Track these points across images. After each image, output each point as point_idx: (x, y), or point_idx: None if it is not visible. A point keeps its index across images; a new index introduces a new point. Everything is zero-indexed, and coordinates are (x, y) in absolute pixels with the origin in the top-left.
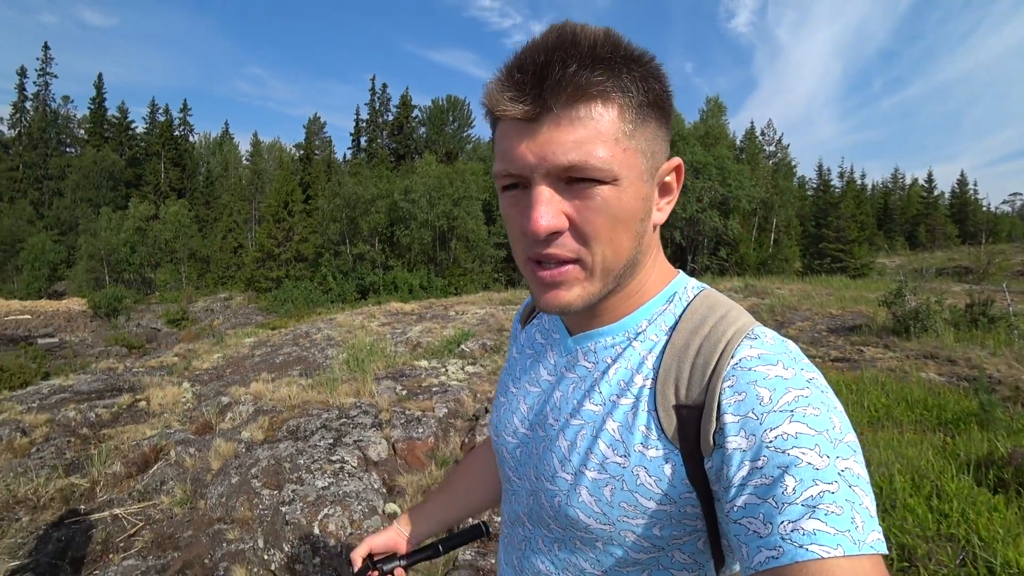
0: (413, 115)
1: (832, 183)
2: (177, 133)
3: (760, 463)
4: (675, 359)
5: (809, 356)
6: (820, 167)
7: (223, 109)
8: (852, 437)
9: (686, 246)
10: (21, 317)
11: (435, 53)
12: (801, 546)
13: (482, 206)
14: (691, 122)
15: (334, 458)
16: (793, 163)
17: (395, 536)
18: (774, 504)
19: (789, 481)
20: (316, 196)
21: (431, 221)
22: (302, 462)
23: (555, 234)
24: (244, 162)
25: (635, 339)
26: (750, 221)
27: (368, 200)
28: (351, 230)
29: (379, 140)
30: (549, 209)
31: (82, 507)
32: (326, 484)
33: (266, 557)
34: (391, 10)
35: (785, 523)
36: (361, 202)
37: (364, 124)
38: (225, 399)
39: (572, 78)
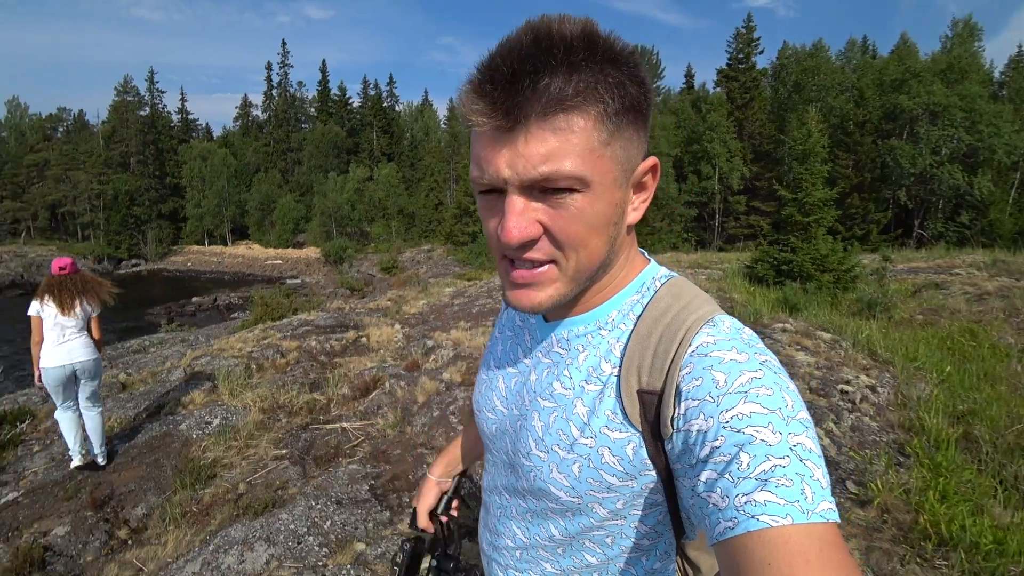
0: None
1: None
2: (385, 104)
3: (718, 442)
4: (639, 346)
5: None
6: None
7: (423, 78)
8: (804, 414)
9: (913, 208)
10: (275, 262)
11: (619, 1)
12: (752, 516)
13: (672, 162)
14: (928, 53)
15: None
16: None
17: (435, 487)
18: (730, 479)
19: (744, 457)
20: None
21: None
22: None
23: (530, 241)
24: (442, 126)
25: (604, 328)
26: (1007, 178)
27: None
28: None
29: None
30: (521, 220)
31: (321, 418)
32: None
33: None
34: None
35: (740, 496)
36: None
37: None
38: (430, 342)
39: (545, 91)
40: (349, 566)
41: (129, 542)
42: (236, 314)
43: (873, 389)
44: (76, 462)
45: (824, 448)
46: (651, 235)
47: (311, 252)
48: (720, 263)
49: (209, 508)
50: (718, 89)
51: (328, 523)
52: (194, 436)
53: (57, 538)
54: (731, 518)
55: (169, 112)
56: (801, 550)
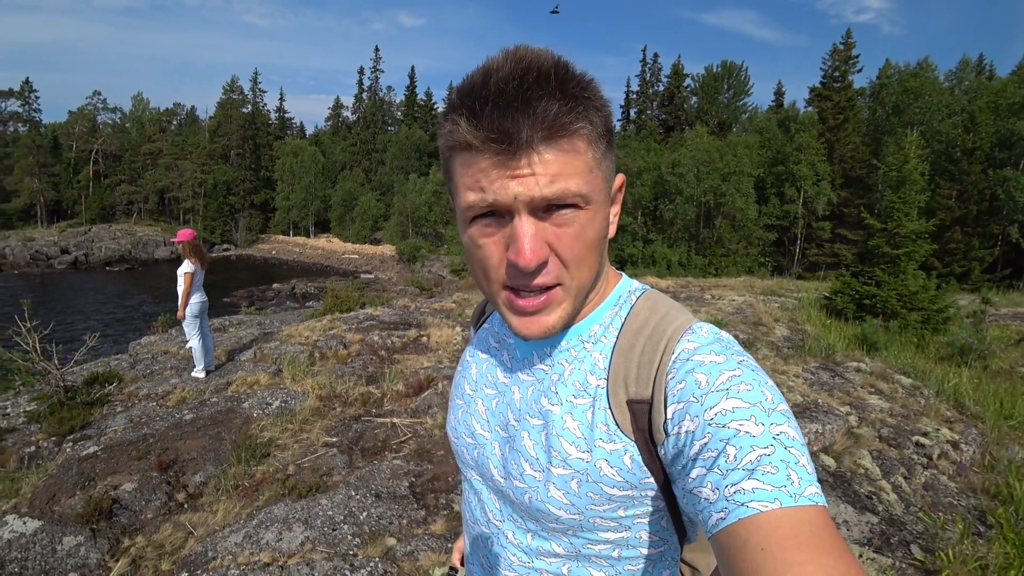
0: (685, 84)
1: None
2: None
3: (705, 439)
4: (622, 359)
5: None
6: None
7: None
8: (784, 406)
9: None
10: (352, 256)
11: (709, 15)
12: (742, 504)
13: (754, 183)
14: None
15: None
16: None
17: None
18: (719, 472)
19: (731, 451)
20: None
21: (697, 196)
22: None
23: (541, 264)
24: None
25: (587, 342)
26: None
27: (635, 172)
28: None
29: (649, 112)
30: (536, 242)
31: (373, 411)
32: None
33: None
34: None
35: (729, 487)
36: (628, 174)
37: (634, 96)
38: None
39: (545, 114)
40: (378, 559)
41: (185, 506)
42: (311, 303)
43: (955, 445)
44: (200, 375)
45: (890, 505)
46: (726, 257)
47: (386, 249)
48: (796, 292)
49: (259, 484)
50: (809, 108)
51: (364, 514)
52: (255, 415)
53: (125, 493)
54: (722, 509)
55: (268, 110)
56: (793, 532)
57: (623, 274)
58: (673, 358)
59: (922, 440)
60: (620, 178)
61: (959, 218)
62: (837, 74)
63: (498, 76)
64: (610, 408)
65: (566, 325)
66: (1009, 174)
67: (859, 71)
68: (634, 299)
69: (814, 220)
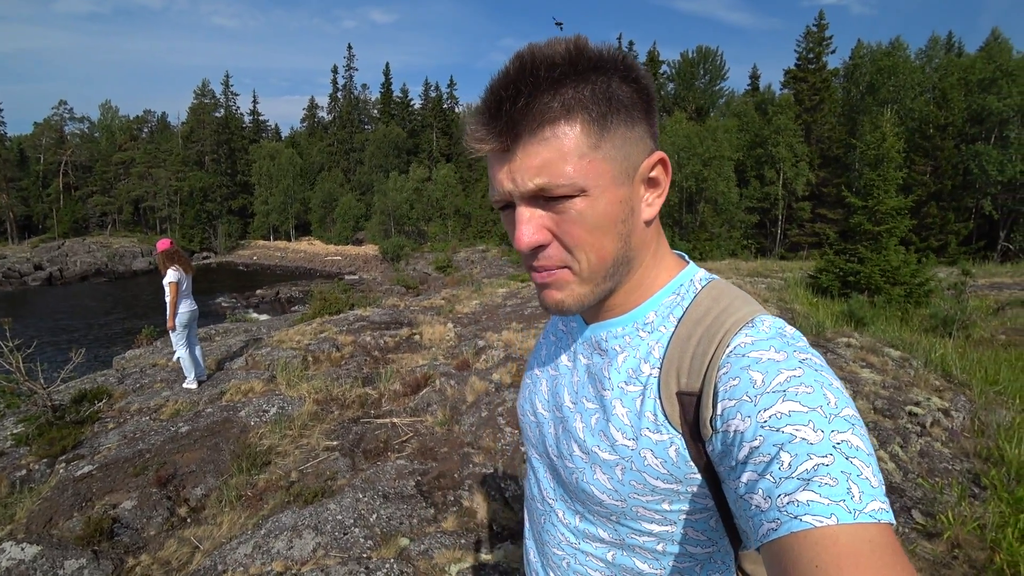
0: (661, 71)
1: None
2: (445, 106)
3: (757, 443)
4: (678, 348)
5: None
6: None
7: (482, 80)
8: (850, 411)
9: (999, 219)
10: (335, 258)
11: (683, 1)
12: (795, 517)
13: (734, 166)
14: (1022, 50)
15: None
16: None
17: None
18: (772, 480)
19: (785, 457)
20: None
21: (678, 182)
22: None
23: (540, 247)
24: None
25: (643, 329)
26: None
27: None
28: None
29: None
30: (529, 228)
31: (372, 412)
32: None
33: (502, 486)
34: None
35: (782, 496)
36: None
37: None
38: (481, 342)
39: (529, 109)
40: (392, 560)
41: (188, 520)
42: (296, 307)
43: (946, 413)
44: (192, 386)
45: (888, 473)
46: (710, 241)
47: (369, 249)
48: (781, 272)
49: (263, 493)
50: (785, 91)
51: (374, 516)
52: (252, 423)
53: (124, 511)
54: (774, 519)
55: (242, 113)
56: (850, 551)
57: (690, 262)
58: (728, 352)
59: (915, 409)
60: (655, 156)
61: (934, 193)
62: (811, 56)
63: (495, 79)
64: (660, 398)
65: (582, 304)
66: (981, 148)
67: (833, 52)
68: (698, 287)
69: (794, 201)
